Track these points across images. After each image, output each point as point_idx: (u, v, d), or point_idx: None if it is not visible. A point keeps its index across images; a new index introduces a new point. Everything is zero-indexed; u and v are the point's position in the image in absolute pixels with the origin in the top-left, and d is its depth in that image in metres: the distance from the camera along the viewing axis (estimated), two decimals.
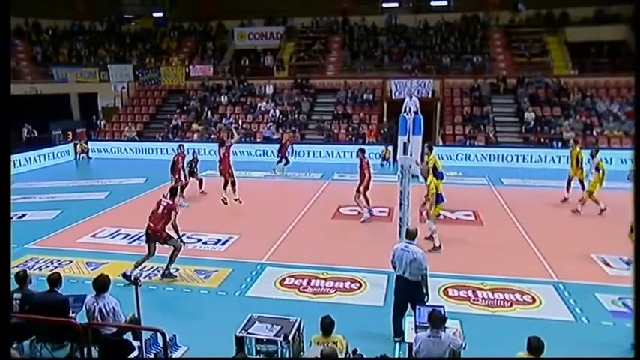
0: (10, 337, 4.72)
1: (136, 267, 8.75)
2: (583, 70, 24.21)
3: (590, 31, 25.06)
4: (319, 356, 4.67)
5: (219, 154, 13.64)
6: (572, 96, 22.69)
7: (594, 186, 12.72)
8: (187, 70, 26.50)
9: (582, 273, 9.05)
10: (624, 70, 23.41)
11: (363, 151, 12.43)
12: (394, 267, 6.85)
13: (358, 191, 12.26)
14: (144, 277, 8.81)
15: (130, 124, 25.19)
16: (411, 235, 6.90)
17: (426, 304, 6.36)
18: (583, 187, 13.57)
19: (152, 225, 8.77)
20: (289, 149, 18.72)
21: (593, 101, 22.33)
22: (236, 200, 13.20)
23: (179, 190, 13.56)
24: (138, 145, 23.48)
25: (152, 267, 9.33)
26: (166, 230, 8.70)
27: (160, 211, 8.78)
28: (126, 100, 27.29)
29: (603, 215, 12.56)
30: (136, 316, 6.02)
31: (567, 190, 14.21)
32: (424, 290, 6.60)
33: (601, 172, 12.63)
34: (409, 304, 6.63)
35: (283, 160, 18.47)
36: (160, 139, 23.86)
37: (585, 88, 23.05)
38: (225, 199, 13.39)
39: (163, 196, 9.01)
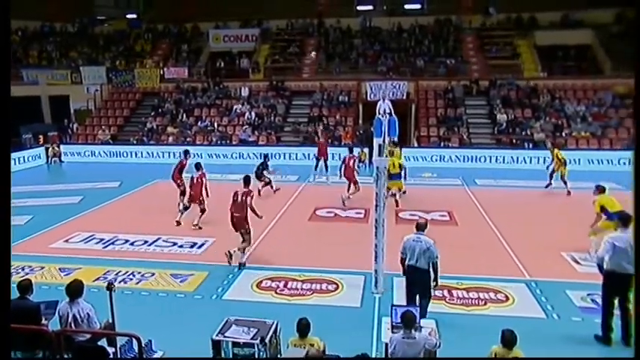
0: (10, 337, 4.62)
1: (241, 252, 9.54)
2: (552, 73, 24.87)
3: (558, 35, 25.86)
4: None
5: (194, 178, 12.37)
6: (542, 98, 23.23)
7: None
8: (162, 73, 26.30)
9: (553, 271, 9.28)
10: (590, 74, 24.34)
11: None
12: (404, 258, 7.24)
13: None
14: (119, 282, 8.69)
15: (103, 127, 24.82)
16: (421, 227, 7.33)
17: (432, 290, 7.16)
18: (564, 182, 15.11)
19: (236, 214, 9.53)
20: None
21: (562, 103, 22.91)
22: (194, 225, 12.10)
23: (182, 194, 13.47)
24: (112, 149, 23.16)
25: (127, 272, 9.24)
26: (248, 219, 9.52)
27: (239, 200, 9.55)
28: (99, 102, 26.89)
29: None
30: (111, 321, 5.94)
31: (550, 177, 15.62)
32: (434, 276, 7.09)
33: None
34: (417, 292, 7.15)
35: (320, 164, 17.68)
36: (135, 142, 23.58)
37: (554, 90, 23.63)
38: (179, 222, 12.41)
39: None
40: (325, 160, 17.50)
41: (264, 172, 15.39)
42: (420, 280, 7.09)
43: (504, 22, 27.91)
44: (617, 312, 6.72)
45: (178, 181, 13.46)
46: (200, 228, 12.02)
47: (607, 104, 22.51)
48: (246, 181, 9.83)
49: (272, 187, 15.50)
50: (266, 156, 16.09)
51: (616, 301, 6.70)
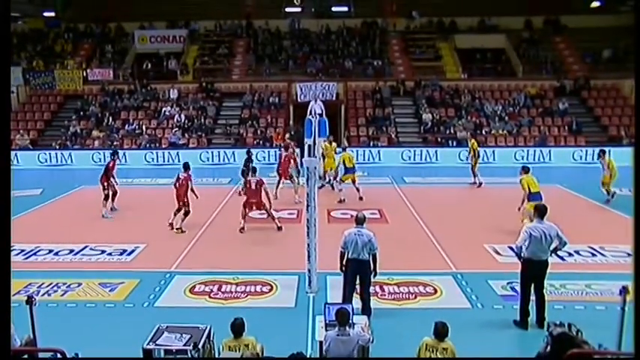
0: (9, 337, 4.31)
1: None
2: (471, 75, 26.27)
3: (476, 39, 27.40)
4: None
5: (178, 179, 12.11)
6: (464, 98, 24.42)
7: (608, 178, 14.24)
8: (85, 74, 25.14)
9: (477, 262, 9.82)
10: (505, 75, 26.02)
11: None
12: (344, 252, 7.42)
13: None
14: (41, 295, 8.29)
15: (21, 131, 23.39)
16: (361, 221, 7.54)
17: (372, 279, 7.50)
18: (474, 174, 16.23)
19: (253, 200, 11.72)
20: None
21: (482, 103, 24.18)
22: (177, 229, 11.89)
23: (110, 198, 12.99)
24: (32, 154, 21.89)
25: (51, 283, 8.83)
26: (264, 200, 11.75)
27: (253, 187, 11.60)
28: (15, 105, 25.30)
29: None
30: (32, 337, 5.67)
31: (474, 176, 16.45)
32: (373, 266, 7.39)
33: (613, 169, 14.14)
34: (358, 280, 7.45)
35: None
36: (58, 146, 22.41)
37: (474, 90, 24.93)
38: (172, 224, 12.11)
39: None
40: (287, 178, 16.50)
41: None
42: (363, 273, 7.37)
43: (427, 25, 29.01)
44: (532, 298, 7.22)
45: (105, 184, 13.05)
46: (183, 232, 11.78)
47: (520, 104, 24.02)
48: (254, 170, 12.20)
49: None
50: (249, 151, 15.78)
51: (532, 288, 7.20)
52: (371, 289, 8.07)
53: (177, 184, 12.02)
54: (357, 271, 7.38)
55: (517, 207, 11.26)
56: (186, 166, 12.18)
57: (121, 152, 21.51)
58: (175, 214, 12.00)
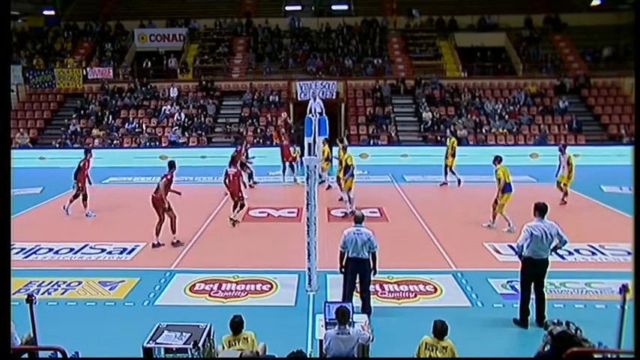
0: (9, 336, 4.31)
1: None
2: (471, 73, 26.18)
3: (476, 37, 27.36)
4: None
5: (228, 176, 12.25)
6: (464, 96, 24.37)
7: (565, 178, 13.79)
8: (85, 73, 25.08)
9: (477, 261, 9.83)
10: (505, 74, 26.04)
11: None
12: (343, 252, 7.42)
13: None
14: (41, 294, 8.30)
15: (21, 129, 23.35)
16: (359, 220, 7.54)
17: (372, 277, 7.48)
18: (453, 173, 16.13)
19: (231, 188, 12.10)
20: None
21: (482, 101, 24.15)
22: (234, 221, 12.22)
23: (84, 199, 12.98)
24: (32, 153, 21.87)
25: (51, 282, 8.84)
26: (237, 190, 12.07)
27: (231, 178, 12.02)
28: (15, 104, 25.26)
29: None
30: (32, 335, 5.68)
31: (445, 176, 16.30)
32: (372, 264, 7.39)
33: (572, 165, 13.69)
34: (358, 278, 7.44)
35: (288, 166, 17.15)
36: (58, 145, 22.41)
37: (474, 89, 24.88)
38: (235, 220, 12.30)
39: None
40: (291, 161, 17.15)
41: (246, 161, 15.20)
42: (363, 271, 7.37)
43: (427, 24, 28.95)
44: (532, 296, 7.22)
45: (79, 185, 13.01)
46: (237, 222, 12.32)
47: (520, 103, 24.02)
48: (232, 161, 12.42)
49: (251, 178, 15.45)
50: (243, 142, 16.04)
51: (532, 287, 7.20)
52: (371, 287, 8.08)
53: (227, 181, 12.21)
54: (357, 269, 7.38)
55: (494, 200, 11.40)
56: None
57: (119, 151, 21.77)
58: (235, 210, 12.19)
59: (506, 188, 11.26)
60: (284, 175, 17.09)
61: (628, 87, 24.47)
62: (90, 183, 13.50)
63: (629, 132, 21.92)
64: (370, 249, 7.32)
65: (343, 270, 7.52)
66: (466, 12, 28.22)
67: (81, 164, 13.28)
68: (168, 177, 10.76)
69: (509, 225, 11.29)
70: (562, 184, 13.85)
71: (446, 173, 16.50)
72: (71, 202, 13.25)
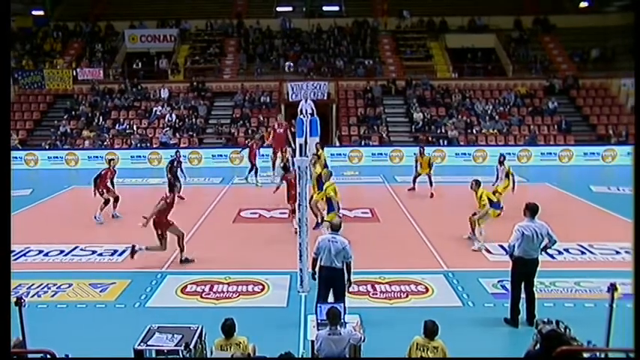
0: (9, 336, 4.25)
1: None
2: (462, 74, 26.39)
3: (466, 39, 27.57)
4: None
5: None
6: (454, 97, 24.52)
7: (504, 189, 13.00)
8: (75, 74, 24.90)
9: (468, 261, 9.87)
10: (495, 75, 26.23)
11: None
12: (316, 259, 7.08)
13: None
14: (31, 297, 8.23)
15: (10, 131, 23.14)
16: (336, 227, 7.23)
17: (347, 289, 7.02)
18: (431, 183, 15.17)
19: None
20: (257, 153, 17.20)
21: (472, 102, 24.30)
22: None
23: (105, 203, 12.78)
24: (21, 154, 21.67)
25: (41, 284, 8.77)
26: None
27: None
28: None
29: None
30: (21, 339, 5.63)
31: (414, 182, 15.61)
32: (347, 276, 7.00)
33: (511, 177, 12.94)
34: (332, 292, 7.00)
35: (254, 168, 16.90)
36: (47, 146, 22.24)
37: (465, 90, 25.02)
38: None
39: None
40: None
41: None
42: (336, 282, 6.96)
43: (417, 25, 29.09)
44: (522, 295, 7.28)
45: (99, 190, 12.81)
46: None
47: (510, 104, 24.19)
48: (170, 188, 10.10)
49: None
50: (177, 152, 15.83)
51: (522, 286, 7.25)
52: (362, 288, 8.11)
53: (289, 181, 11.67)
54: (329, 279, 6.96)
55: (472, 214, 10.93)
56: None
57: (114, 152, 21.60)
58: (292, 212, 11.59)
59: (494, 206, 10.84)
60: (255, 176, 16.81)
61: (615, 88, 24.77)
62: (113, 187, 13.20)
63: (617, 132, 22.18)
64: (345, 258, 6.90)
65: (317, 277, 7.16)
66: (456, 13, 28.44)
67: (102, 172, 12.97)
68: (168, 201, 9.78)
69: (472, 235, 10.85)
70: (497, 193, 12.65)
71: (414, 181, 15.64)
72: (102, 209, 12.86)
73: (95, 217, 12.70)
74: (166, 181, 12.27)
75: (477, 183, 10.99)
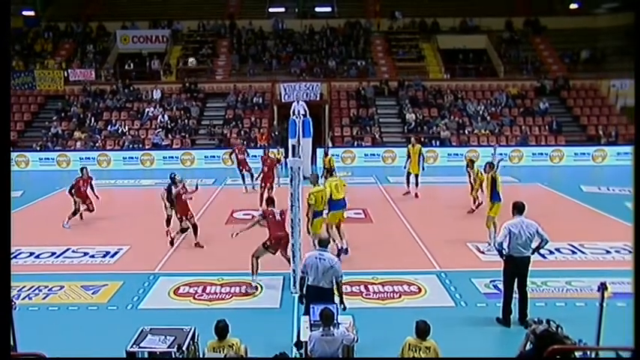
0: (10, 337, 4.22)
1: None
2: (454, 75, 26.52)
3: (458, 40, 27.72)
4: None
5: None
6: (446, 98, 24.62)
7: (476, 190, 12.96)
8: (66, 74, 24.73)
9: (460, 261, 9.91)
10: (487, 75, 26.38)
11: None
12: (303, 276, 6.57)
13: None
14: (22, 299, 8.18)
15: (10, 131, 22.97)
16: (324, 243, 6.79)
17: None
18: (417, 184, 14.93)
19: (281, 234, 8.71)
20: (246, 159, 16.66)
21: (464, 103, 24.41)
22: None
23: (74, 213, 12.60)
24: (11, 155, 21.53)
25: (32, 287, 8.71)
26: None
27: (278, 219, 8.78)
28: None
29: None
30: (11, 342, 5.59)
31: (408, 184, 15.31)
32: (340, 299, 6.44)
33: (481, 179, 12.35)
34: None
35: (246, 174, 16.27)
36: (39, 148, 22.11)
37: (457, 90, 25.13)
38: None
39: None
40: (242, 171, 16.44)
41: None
42: (321, 301, 6.08)
43: (409, 26, 29.19)
44: (515, 295, 7.32)
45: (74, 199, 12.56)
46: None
47: (502, 104, 24.33)
48: (269, 202, 9.28)
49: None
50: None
51: (515, 286, 7.29)
52: (355, 288, 8.10)
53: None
54: (317, 299, 6.21)
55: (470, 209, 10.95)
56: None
57: (106, 153, 21.49)
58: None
59: (493, 197, 10.56)
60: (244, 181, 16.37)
61: (605, 89, 24.97)
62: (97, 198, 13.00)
63: (607, 133, 22.38)
64: (335, 277, 6.37)
65: (304, 300, 6.56)
66: (448, 14, 28.61)
67: (75, 182, 12.70)
68: (181, 191, 10.83)
69: (488, 243, 10.46)
70: (474, 192, 12.99)
71: (408, 181, 15.36)
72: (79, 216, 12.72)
73: (63, 225, 12.45)
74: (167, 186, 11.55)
75: (490, 166, 10.98)
